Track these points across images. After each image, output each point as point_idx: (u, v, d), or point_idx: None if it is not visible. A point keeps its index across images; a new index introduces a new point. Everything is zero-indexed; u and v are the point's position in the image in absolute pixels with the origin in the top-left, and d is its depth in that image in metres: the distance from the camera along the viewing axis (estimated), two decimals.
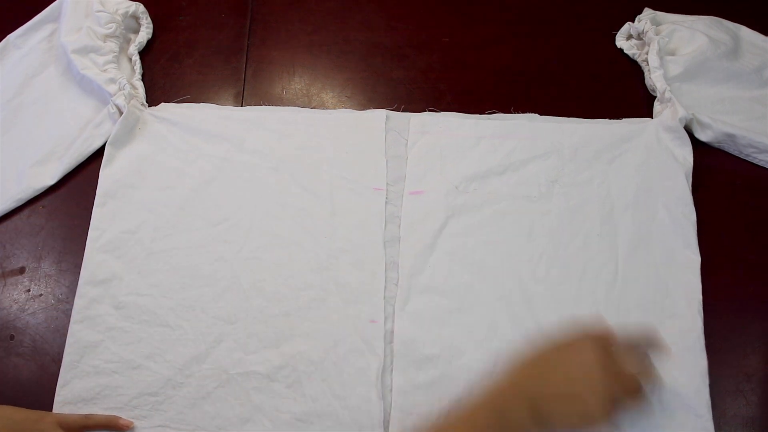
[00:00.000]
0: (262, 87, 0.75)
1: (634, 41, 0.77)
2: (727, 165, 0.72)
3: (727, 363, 0.63)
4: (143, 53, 0.76)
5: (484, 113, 0.73)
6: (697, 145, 0.70)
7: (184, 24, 0.79)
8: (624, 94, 0.75)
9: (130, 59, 0.75)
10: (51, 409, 0.60)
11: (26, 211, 0.69)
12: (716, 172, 0.71)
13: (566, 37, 0.78)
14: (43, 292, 0.66)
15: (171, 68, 0.76)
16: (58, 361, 0.62)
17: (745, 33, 0.77)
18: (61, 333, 0.64)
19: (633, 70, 0.76)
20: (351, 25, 0.79)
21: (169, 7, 0.79)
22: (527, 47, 0.77)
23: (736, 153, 0.72)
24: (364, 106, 0.74)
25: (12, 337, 0.64)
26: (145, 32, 0.76)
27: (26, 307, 0.65)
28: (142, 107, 0.72)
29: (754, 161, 0.72)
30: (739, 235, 0.68)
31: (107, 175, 0.70)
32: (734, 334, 0.64)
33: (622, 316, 0.64)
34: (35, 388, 0.62)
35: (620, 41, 0.78)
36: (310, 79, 0.76)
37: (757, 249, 0.68)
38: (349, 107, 0.74)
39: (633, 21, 0.77)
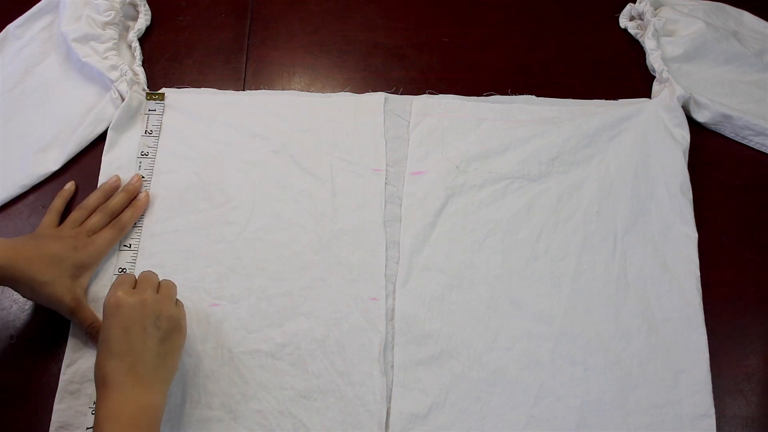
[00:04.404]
0: (262, 87, 0.75)
1: (637, 21, 0.78)
2: (723, 150, 0.72)
3: (727, 363, 0.63)
4: (143, 53, 0.76)
5: (481, 95, 0.73)
6: (693, 127, 0.71)
7: (184, 24, 0.79)
8: (627, 76, 0.76)
9: (130, 46, 0.76)
10: (53, 406, 0.61)
11: (26, 211, 0.69)
12: (713, 157, 0.72)
13: (568, 31, 0.78)
14: None
15: (171, 68, 0.76)
16: (58, 361, 0.62)
17: (748, 18, 0.77)
18: (61, 333, 0.63)
19: (636, 53, 0.77)
20: (351, 25, 0.79)
21: (169, 7, 0.79)
22: (528, 47, 0.78)
23: (732, 135, 0.73)
24: None
25: (12, 337, 0.64)
26: (144, 19, 0.77)
27: (26, 307, 0.65)
28: (143, 92, 0.73)
29: (750, 144, 0.72)
30: (738, 233, 0.69)
31: (109, 160, 0.70)
32: (734, 334, 0.65)
33: (620, 292, 0.64)
34: (35, 388, 0.62)
35: (624, 21, 0.78)
36: (310, 79, 0.76)
37: (756, 247, 0.68)
38: None
39: (634, 2, 0.78)
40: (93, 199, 0.67)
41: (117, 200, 0.67)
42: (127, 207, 0.67)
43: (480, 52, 0.77)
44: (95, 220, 0.65)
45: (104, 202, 0.67)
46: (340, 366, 0.62)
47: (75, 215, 0.65)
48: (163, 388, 0.55)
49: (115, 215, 0.66)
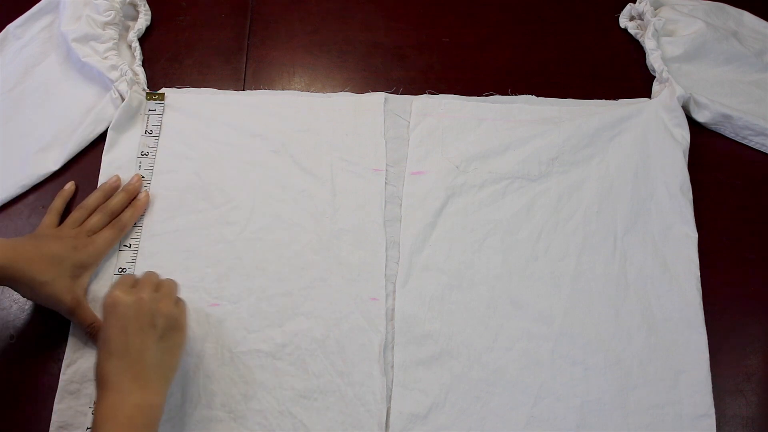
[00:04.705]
0: (262, 87, 0.75)
1: (637, 21, 0.78)
2: (723, 150, 0.72)
3: (727, 363, 0.63)
4: (143, 53, 0.76)
5: (481, 95, 0.73)
6: (693, 127, 0.71)
7: (184, 24, 0.79)
8: (627, 76, 0.76)
9: (130, 46, 0.76)
10: (53, 406, 0.61)
11: (26, 211, 0.69)
12: (713, 157, 0.72)
13: (568, 31, 0.78)
14: None
15: (171, 68, 0.76)
16: (58, 361, 0.62)
17: (748, 18, 0.77)
18: (61, 333, 0.63)
19: (636, 53, 0.77)
20: (351, 25, 0.79)
21: (169, 7, 0.79)
22: (528, 47, 0.78)
23: (732, 135, 0.73)
24: None
25: (12, 337, 0.64)
26: (144, 19, 0.77)
27: (26, 307, 0.65)
28: (143, 92, 0.73)
29: (750, 144, 0.73)
30: (738, 233, 0.69)
31: (109, 160, 0.70)
32: (734, 334, 0.65)
33: (620, 292, 0.65)
34: (35, 388, 0.62)
35: (623, 21, 0.78)
36: (310, 79, 0.76)
37: (756, 247, 0.68)
38: None
39: (634, 2, 0.78)
40: (93, 199, 0.67)
41: (117, 200, 0.67)
42: (127, 207, 0.67)
43: (480, 52, 0.77)
44: (95, 220, 0.65)
45: (104, 202, 0.67)
46: (340, 366, 0.62)
47: (75, 215, 0.66)
48: (163, 387, 0.55)
49: (115, 215, 0.67)
